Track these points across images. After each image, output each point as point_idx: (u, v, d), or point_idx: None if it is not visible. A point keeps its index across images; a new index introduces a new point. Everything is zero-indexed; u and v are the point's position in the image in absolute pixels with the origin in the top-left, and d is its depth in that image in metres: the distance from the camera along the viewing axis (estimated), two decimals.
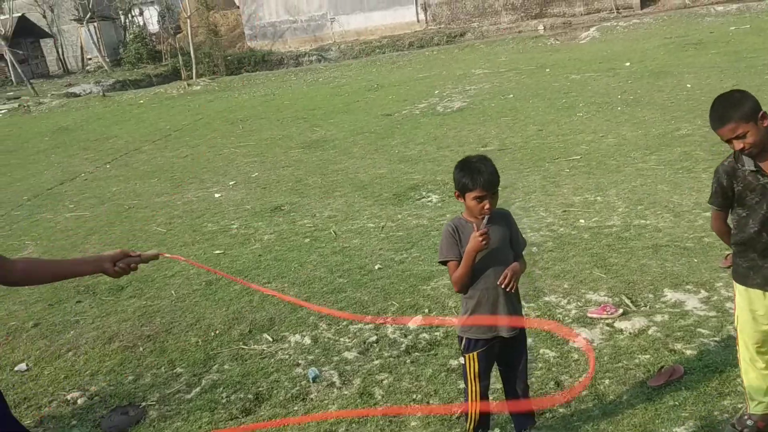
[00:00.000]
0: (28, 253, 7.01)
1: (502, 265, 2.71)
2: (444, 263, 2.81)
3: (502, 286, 2.67)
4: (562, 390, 3.50)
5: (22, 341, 4.91)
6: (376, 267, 5.34)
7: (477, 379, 2.84)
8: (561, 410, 3.34)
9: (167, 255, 2.76)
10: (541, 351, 3.88)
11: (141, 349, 4.60)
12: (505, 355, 2.89)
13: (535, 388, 3.52)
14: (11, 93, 28.73)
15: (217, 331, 4.67)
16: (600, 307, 4.21)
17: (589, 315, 4.17)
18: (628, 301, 4.28)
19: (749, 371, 2.86)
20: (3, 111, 23.97)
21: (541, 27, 26.00)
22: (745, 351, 2.85)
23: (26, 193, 9.91)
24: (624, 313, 4.14)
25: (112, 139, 14.15)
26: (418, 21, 30.32)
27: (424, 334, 4.22)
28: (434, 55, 23.12)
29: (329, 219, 6.74)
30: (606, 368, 3.62)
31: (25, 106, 24.19)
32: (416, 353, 4.05)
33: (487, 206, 2.65)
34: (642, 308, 4.20)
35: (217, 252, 6.19)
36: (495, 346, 2.81)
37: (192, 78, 23.75)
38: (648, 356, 3.66)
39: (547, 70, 14.67)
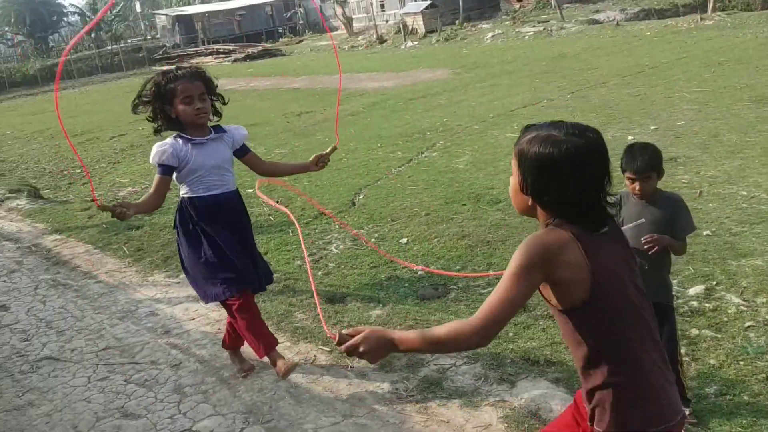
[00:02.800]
0: (463, 160, 8.84)
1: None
2: None
3: (644, 246, 3.01)
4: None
5: (413, 223, 6.69)
6: (705, 233, 5.39)
7: None
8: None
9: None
10: None
11: (477, 249, 5.85)
12: None
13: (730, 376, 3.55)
14: (545, 16, 31.86)
15: None
16: None
17: None
18: None
19: None
20: (529, 33, 27.09)
21: None
22: None
23: (493, 112, 11.90)
24: None
25: (592, 71, 15.18)
26: None
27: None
28: None
29: (709, 179, 6.68)
30: None
31: (548, 30, 26.84)
32: None
33: (637, 188, 3.05)
34: None
35: None
36: None
37: (707, 12, 22.56)
38: None
39: None
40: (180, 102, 3.46)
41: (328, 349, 4.03)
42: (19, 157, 13.96)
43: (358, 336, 1.84)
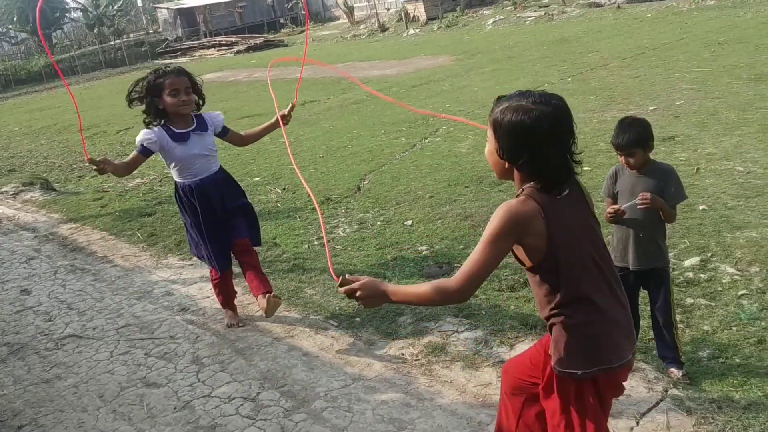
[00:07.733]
0: (466, 144, 9.01)
1: (641, 212, 3.22)
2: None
3: (637, 201, 3.17)
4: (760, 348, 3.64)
5: (417, 206, 6.86)
6: (701, 207, 5.54)
7: None
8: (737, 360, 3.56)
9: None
10: None
11: (480, 229, 6.02)
12: (644, 287, 3.40)
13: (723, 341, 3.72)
14: (546, 1, 31.78)
15: None
16: None
17: None
18: None
19: None
20: (530, 18, 27.12)
21: None
22: None
23: (495, 97, 12.00)
24: None
25: (592, 54, 15.27)
26: None
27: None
28: None
29: (706, 156, 6.83)
30: None
31: (549, 15, 26.86)
32: None
33: (623, 161, 3.22)
34: None
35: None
36: (629, 276, 3.34)
37: None
38: None
39: None
40: (167, 95, 3.96)
41: (336, 324, 4.24)
42: (28, 153, 14.17)
43: (358, 283, 2.15)
